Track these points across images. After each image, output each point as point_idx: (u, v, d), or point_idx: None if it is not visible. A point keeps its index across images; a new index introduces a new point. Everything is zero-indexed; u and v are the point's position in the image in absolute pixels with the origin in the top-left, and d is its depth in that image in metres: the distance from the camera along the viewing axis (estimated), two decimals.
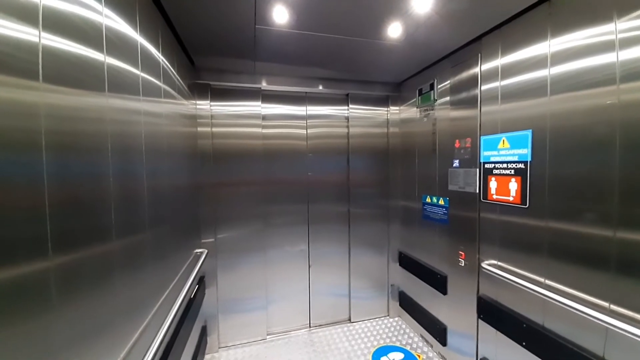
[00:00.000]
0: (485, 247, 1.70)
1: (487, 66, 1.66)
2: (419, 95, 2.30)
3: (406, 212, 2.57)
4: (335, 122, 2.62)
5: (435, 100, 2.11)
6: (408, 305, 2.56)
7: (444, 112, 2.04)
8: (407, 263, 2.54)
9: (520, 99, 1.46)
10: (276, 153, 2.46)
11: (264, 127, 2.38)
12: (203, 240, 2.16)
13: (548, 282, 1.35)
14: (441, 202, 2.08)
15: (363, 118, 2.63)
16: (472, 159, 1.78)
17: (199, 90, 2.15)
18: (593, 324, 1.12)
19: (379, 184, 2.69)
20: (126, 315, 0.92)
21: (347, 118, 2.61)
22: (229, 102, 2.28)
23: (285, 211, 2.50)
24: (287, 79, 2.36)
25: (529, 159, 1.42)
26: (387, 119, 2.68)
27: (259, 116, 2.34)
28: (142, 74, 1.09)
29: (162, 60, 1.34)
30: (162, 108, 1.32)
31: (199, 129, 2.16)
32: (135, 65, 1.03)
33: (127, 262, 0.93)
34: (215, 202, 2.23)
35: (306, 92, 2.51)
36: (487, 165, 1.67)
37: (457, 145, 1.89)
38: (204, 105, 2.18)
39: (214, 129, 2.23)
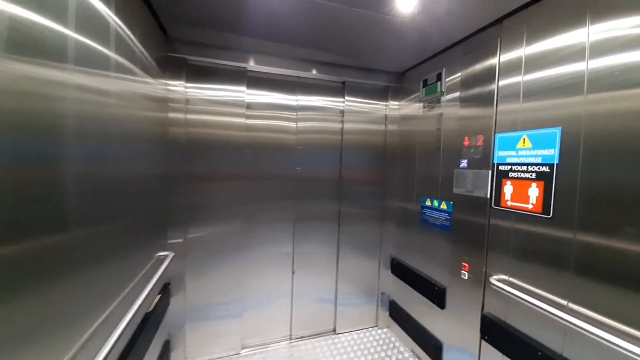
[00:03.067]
0: (495, 260, 1.50)
1: (507, 56, 1.45)
2: (423, 87, 2.07)
3: (402, 215, 2.36)
4: (329, 116, 2.35)
5: (442, 92, 1.89)
6: (399, 316, 2.35)
7: (452, 109, 1.82)
8: (401, 270, 2.33)
9: (549, 97, 1.25)
10: (262, 146, 2.17)
11: (248, 117, 2.09)
12: (170, 241, 1.85)
13: (572, 305, 1.15)
14: (443, 206, 1.87)
15: (360, 113, 2.38)
16: (483, 160, 1.57)
17: (172, 67, 1.83)
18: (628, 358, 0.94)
19: (374, 183, 2.46)
20: (48, 336, 0.64)
21: (342, 112, 2.36)
22: (209, 85, 1.96)
23: (269, 209, 2.22)
24: (276, 59, 2.08)
25: (555, 162, 1.22)
26: (386, 114, 2.45)
27: (242, 104, 2.04)
28: (76, 35, 0.80)
29: (114, 21, 1.03)
30: (111, 85, 1.02)
31: (171, 114, 1.84)
32: (60, 19, 0.73)
33: (42, 268, 0.65)
34: (189, 197, 1.92)
35: (298, 77, 2.23)
36: (501, 167, 1.47)
37: (466, 143, 1.68)
38: (178, 87, 1.86)
39: (190, 116, 1.91)
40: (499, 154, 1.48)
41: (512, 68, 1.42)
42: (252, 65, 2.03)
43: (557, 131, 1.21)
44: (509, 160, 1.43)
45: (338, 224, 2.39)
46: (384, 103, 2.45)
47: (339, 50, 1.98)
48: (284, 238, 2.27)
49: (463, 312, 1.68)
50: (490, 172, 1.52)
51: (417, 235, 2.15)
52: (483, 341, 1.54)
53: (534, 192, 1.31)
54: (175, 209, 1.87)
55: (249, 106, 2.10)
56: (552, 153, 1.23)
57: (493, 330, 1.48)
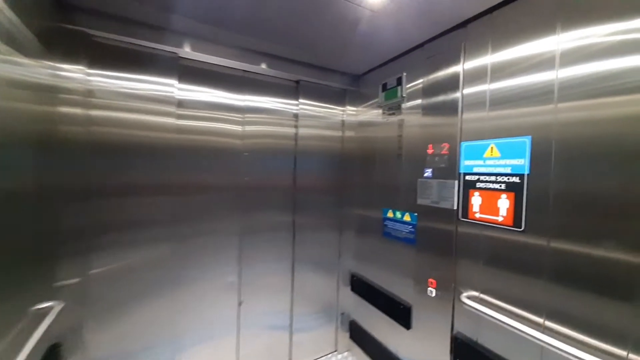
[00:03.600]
0: (464, 276, 1.41)
1: (472, 62, 1.39)
2: (382, 91, 1.96)
3: (362, 227, 2.20)
4: (282, 120, 2.08)
5: (403, 97, 1.79)
6: (360, 338, 2.17)
7: (414, 116, 1.73)
8: (361, 287, 2.15)
9: (517, 106, 1.21)
10: (198, 152, 1.77)
11: (180, 117, 1.68)
12: (60, 283, 1.33)
13: (549, 323, 1.09)
14: (407, 217, 1.76)
15: (315, 117, 2.17)
16: (449, 169, 1.48)
17: (66, 45, 1.33)
18: None
19: (331, 192, 2.26)
20: None
21: (296, 116, 2.11)
22: (124, 73, 1.51)
23: (209, 227, 1.82)
24: (219, 47, 1.73)
25: (526, 172, 1.17)
26: (343, 120, 2.29)
27: (172, 101, 1.63)
28: None
29: None
30: None
31: (62, 109, 1.34)
32: None
33: None
34: (91, 217, 1.43)
35: (245, 72, 1.91)
36: (468, 177, 1.39)
37: (430, 151, 1.59)
38: (74, 73, 1.37)
39: (95, 112, 1.43)
40: (465, 164, 1.40)
41: (477, 75, 1.37)
42: (187, 51, 1.65)
43: (526, 140, 1.16)
44: (476, 170, 1.36)
45: (293, 237, 2.12)
46: (341, 108, 2.29)
47: (292, 42, 1.73)
48: (228, 260, 1.90)
49: (431, 333, 1.56)
50: (456, 182, 1.44)
51: (378, 249, 2.00)
52: None
53: (504, 203, 1.24)
54: (67, 235, 1.35)
55: (181, 104, 1.69)
56: (522, 163, 1.18)
57: (465, 352, 1.38)
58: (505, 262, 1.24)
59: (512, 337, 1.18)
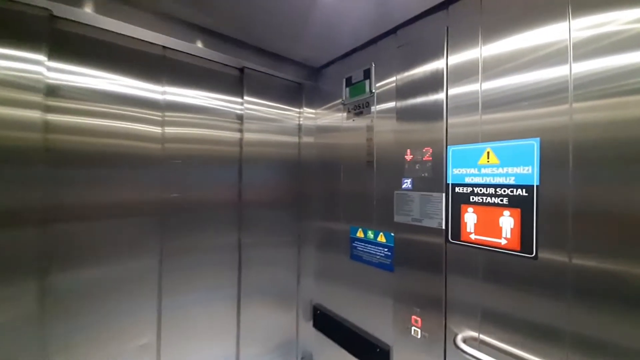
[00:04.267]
0: (458, 313, 1.13)
1: (458, 55, 1.15)
2: (346, 87, 1.64)
3: (326, 248, 1.83)
4: (220, 122, 1.61)
5: (372, 92, 1.49)
6: None
7: (388, 120, 1.44)
8: (326, 323, 1.77)
9: (519, 109, 0.98)
10: (84, 158, 1.20)
11: (51, 110, 1.11)
12: None
13: None
14: (381, 238, 1.44)
15: (265, 120, 1.75)
16: (433, 179, 1.21)
17: None
18: None
19: (287, 206, 1.85)
20: None
21: (240, 117, 1.66)
22: None
23: (109, 273, 1.25)
24: (124, 8, 1.21)
25: (535, 182, 0.93)
26: (299, 124, 1.92)
27: (36, 86, 1.06)
28: None
29: None
30: None
31: None
32: None
33: None
34: None
35: (164, 48, 1.41)
36: (459, 190, 1.13)
37: (408, 157, 1.30)
38: None
39: None
40: (455, 172, 1.14)
41: (465, 70, 1.12)
42: (63, 8, 1.10)
43: (534, 143, 0.93)
44: (468, 180, 1.10)
45: (239, 261, 1.64)
46: (297, 110, 1.91)
47: (237, 17, 1.31)
48: (139, 320, 1.34)
49: None
50: (443, 195, 1.17)
51: (347, 275, 1.65)
52: None
53: (507, 222, 0.99)
54: None
55: (52, 91, 1.12)
56: (529, 171, 0.94)
57: None
58: (511, 296, 0.98)
59: None
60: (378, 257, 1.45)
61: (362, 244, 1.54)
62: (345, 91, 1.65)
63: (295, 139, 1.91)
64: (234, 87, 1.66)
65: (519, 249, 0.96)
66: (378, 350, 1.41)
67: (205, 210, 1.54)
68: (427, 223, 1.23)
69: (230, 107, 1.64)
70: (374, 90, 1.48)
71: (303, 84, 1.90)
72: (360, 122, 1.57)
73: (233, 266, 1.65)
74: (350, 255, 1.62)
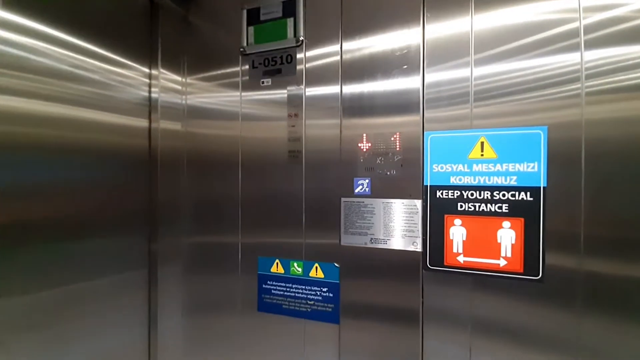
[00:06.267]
0: None
1: (439, 28, 0.82)
2: (248, 25, 1.00)
3: (206, 290, 1.08)
4: None
5: (299, 40, 0.94)
6: None
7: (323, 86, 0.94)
8: None
9: (522, 96, 0.75)
10: None
11: None
12: None
13: None
14: (317, 273, 0.92)
15: (57, 76, 0.79)
16: (404, 179, 0.83)
17: None
18: None
19: (123, 225, 0.96)
20: None
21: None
22: None
23: None
24: None
25: (541, 184, 0.72)
26: (150, 97, 1.05)
27: None
28: None
29: None
30: None
31: None
32: None
33: None
34: None
35: None
36: (441, 194, 0.80)
37: (363, 145, 0.86)
38: None
39: None
40: (436, 170, 0.80)
41: (452, 47, 0.81)
42: None
43: (541, 132, 0.72)
44: (455, 181, 0.79)
45: None
46: (144, 69, 1.03)
47: None
48: None
49: None
50: (419, 202, 0.81)
51: (251, 345, 1.00)
52: None
53: (506, 236, 0.75)
54: None
55: None
56: (534, 169, 0.73)
57: None
58: (513, 332, 0.75)
59: None
60: (312, 302, 0.92)
61: (282, 284, 0.96)
62: (247, 32, 1.00)
63: (139, 122, 1.02)
64: None
65: (521, 270, 0.73)
66: None
67: None
68: (394, 245, 0.83)
69: None
70: (301, 37, 0.94)
71: (159, 3, 1.04)
72: (278, 86, 0.97)
73: None
74: (258, 306, 0.99)
